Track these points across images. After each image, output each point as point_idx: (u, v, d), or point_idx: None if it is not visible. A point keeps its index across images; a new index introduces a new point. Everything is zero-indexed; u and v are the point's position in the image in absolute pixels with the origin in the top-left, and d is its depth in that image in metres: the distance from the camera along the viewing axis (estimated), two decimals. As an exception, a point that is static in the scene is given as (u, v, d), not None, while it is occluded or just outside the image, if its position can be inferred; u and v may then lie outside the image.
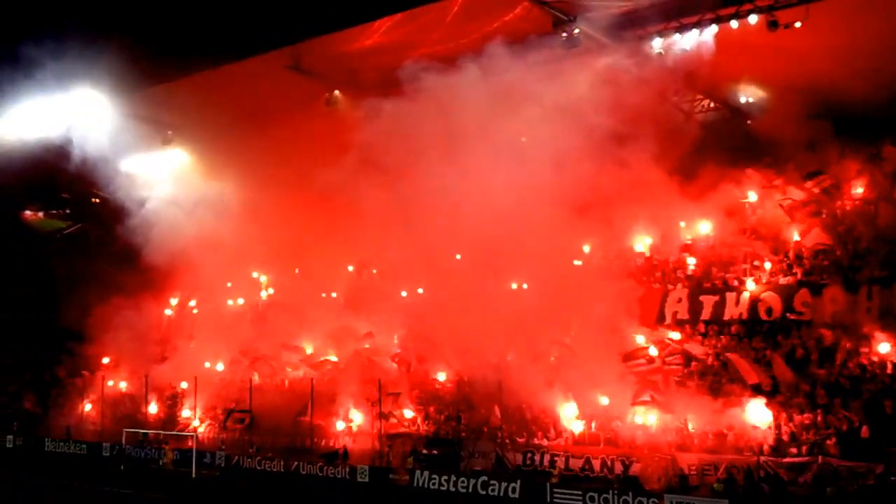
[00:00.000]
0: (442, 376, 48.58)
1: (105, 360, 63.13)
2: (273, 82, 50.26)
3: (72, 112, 55.44)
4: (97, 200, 64.87)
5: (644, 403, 38.72)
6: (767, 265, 44.59)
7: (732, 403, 36.80)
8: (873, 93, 41.35)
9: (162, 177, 62.05)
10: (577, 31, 42.95)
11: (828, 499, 30.35)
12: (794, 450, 33.70)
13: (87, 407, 59.91)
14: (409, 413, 46.99)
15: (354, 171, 44.63)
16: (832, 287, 40.83)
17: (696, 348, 42.31)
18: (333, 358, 54.45)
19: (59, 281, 67.65)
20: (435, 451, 42.98)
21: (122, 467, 49.10)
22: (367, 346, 52.48)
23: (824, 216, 45.49)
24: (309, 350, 55.72)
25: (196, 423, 54.00)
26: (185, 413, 55.68)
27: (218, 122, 53.43)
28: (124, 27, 48.00)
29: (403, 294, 53.91)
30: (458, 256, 47.07)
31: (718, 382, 39.22)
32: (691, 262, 47.93)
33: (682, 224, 49.90)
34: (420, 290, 53.27)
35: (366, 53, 48.00)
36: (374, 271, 58.15)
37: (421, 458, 42.41)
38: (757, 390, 36.88)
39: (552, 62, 44.15)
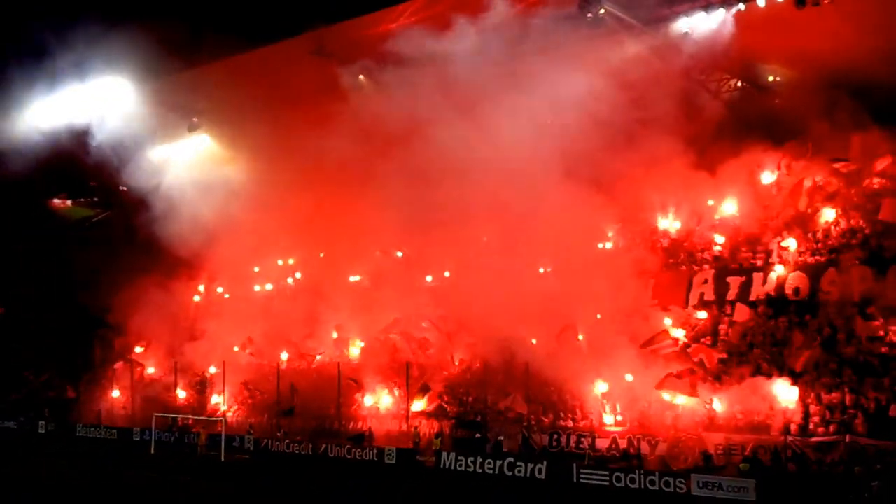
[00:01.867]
0: (467, 359, 48.52)
1: (138, 350, 63.75)
2: (297, 67, 50.34)
3: (97, 101, 55.93)
4: (124, 188, 65.19)
5: (670, 385, 38.66)
6: (794, 245, 44.26)
7: (759, 384, 36.65)
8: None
9: (188, 163, 62.35)
10: (602, 11, 42.71)
11: (855, 478, 30.13)
12: (821, 429, 33.53)
13: (117, 393, 60.47)
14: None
15: (380, 155, 44.82)
16: (860, 266, 40.55)
17: (722, 329, 42.12)
18: (360, 343, 54.78)
19: (88, 269, 68.06)
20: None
21: (151, 451, 49.52)
22: (393, 335, 52.53)
23: (852, 195, 45.06)
24: (334, 335, 55.94)
25: (224, 407, 54.36)
26: (215, 398, 56.09)
27: (243, 108, 53.66)
28: (149, 13, 48.26)
29: (429, 279, 53.94)
30: (485, 239, 47.13)
31: (746, 363, 39.07)
32: (718, 241, 47.63)
33: (710, 203, 49.55)
34: (447, 274, 53.21)
35: (391, 36, 47.83)
36: (400, 255, 58.16)
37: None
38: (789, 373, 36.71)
39: (578, 43, 44.05)
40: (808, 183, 46.37)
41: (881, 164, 45.02)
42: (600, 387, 40.86)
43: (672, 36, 44.32)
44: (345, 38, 48.89)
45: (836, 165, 46.02)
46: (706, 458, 34.77)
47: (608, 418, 40.05)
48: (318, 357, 55.73)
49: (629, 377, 40.09)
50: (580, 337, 43.92)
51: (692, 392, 37.74)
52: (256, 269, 65.78)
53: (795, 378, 36.32)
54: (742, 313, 42.81)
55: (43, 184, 70.49)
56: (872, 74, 41.77)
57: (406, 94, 43.80)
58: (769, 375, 37.07)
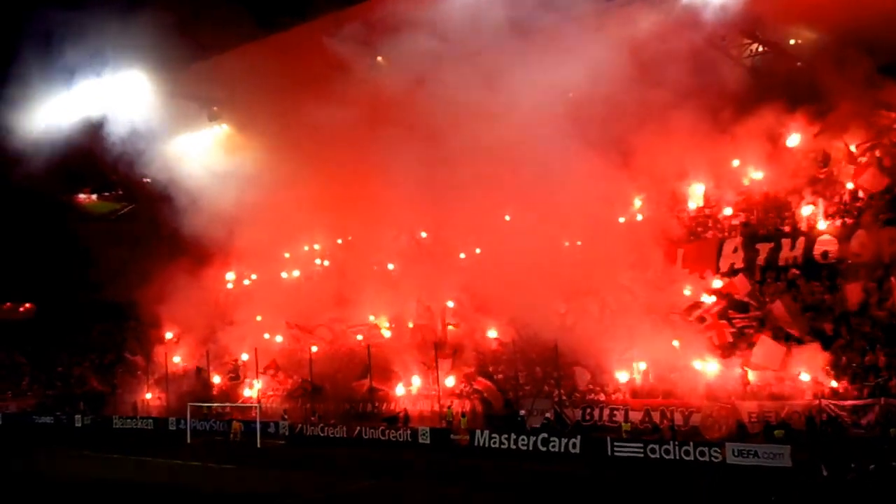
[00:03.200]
0: (497, 335, 48.53)
1: (168, 336, 64.22)
2: (314, 51, 50.17)
3: (115, 95, 56.09)
4: (147, 181, 65.46)
5: (703, 354, 38.62)
6: (822, 209, 43.90)
7: (792, 349, 36.44)
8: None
9: (209, 153, 62.56)
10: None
11: (891, 440, 29.94)
12: (855, 392, 33.30)
13: (152, 384, 60.97)
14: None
15: (400, 137, 44.74)
16: (890, 227, 40.18)
17: (752, 297, 41.91)
18: (389, 324, 54.96)
19: (116, 262, 68.55)
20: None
21: (188, 440, 49.93)
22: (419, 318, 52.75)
23: (880, 156, 44.58)
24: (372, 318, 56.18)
25: (255, 391, 54.62)
26: (247, 388, 56.43)
27: (261, 96, 53.66)
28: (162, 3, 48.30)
29: (462, 256, 53.86)
30: (508, 217, 47.04)
31: (778, 329, 38.91)
32: (745, 208, 47.34)
33: (735, 165, 49.19)
34: (478, 251, 53.05)
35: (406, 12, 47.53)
36: (424, 235, 58.17)
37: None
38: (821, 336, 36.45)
39: (599, 12, 43.76)
40: (834, 145, 45.85)
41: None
42: (630, 359, 40.80)
43: (693, 2, 43.90)
44: (362, 20, 48.66)
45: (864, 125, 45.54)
46: (740, 426, 34.63)
47: (640, 389, 40.01)
48: (359, 337, 55.62)
49: (676, 343, 40.03)
50: (609, 309, 43.67)
51: (726, 358, 37.74)
52: (287, 255, 65.95)
53: (828, 342, 36.06)
54: (743, 285, 42.56)
55: (66, 179, 70.90)
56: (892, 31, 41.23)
57: (425, 73, 43.65)
58: (801, 341, 36.81)
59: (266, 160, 58.95)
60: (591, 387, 41.72)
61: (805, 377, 35.17)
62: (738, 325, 40.67)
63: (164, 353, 60.51)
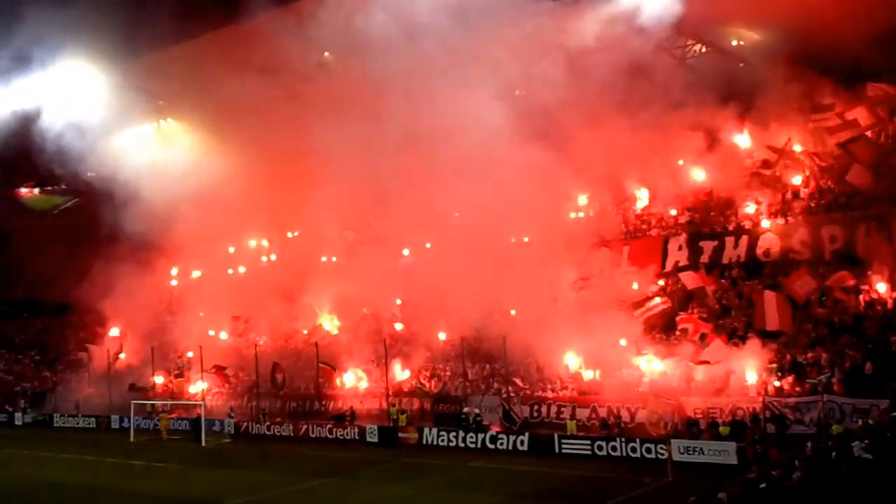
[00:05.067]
0: (445, 334, 48.62)
1: (112, 333, 63.35)
2: (264, 46, 49.69)
3: (61, 86, 54.99)
4: (91, 175, 64.38)
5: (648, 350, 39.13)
6: (764, 207, 44.66)
7: (736, 345, 37.00)
8: (861, 34, 40.86)
9: (155, 147, 61.73)
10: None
11: (834, 437, 30.46)
12: (798, 389, 33.87)
13: (94, 381, 60.10)
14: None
15: (346, 133, 44.48)
16: (830, 226, 40.99)
17: (710, 289, 42.46)
18: (336, 322, 54.80)
19: (58, 257, 67.40)
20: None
21: (131, 439, 49.35)
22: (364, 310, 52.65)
23: (822, 157, 45.44)
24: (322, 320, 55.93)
25: (203, 387, 54.07)
26: (192, 383, 55.87)
27: (210, 90, 52.91)
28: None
29: (405, 252, 53.83)
30: (456, 214, 47.05)
31: (723, 325, 39.44)
32: (688, 207, 48.01)
33: (679, 164, 49.78)
34: (427, 245, 52.99)
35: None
36: (373, 232, 58.05)
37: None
38: (775, 336, 37.06)
39: (542, 12, 43.87)
40: (777, 144, 46.59)
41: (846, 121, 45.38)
42: (576, 356, 41.14)
43: (635, 2, 44.29)
44: (312, 15, 48.27)
45: (813, 120, 46.30)
46: (686, 423, 35.04)
47: (587, 386, 40.36)
48: (305, 332, 55.36)
49: (623, 342, 40.47)
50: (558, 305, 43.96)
51: (670, 356, 38.27)
52: (232, 251, 65.38)
53: (771, 339, 36.65)
54: (691, 280, 43.10)
55: (5, 173, 69.62)
56: (833, 36, 41.87)
57: (370, 69, 43.50)
58: (744, 338, 37.38)
59: (212, 155, 58.38)
60: (539, 384, 41.94)
61: (750, 374, 35.63)
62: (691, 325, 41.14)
63: (107, 350, 59.66)
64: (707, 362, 37.19)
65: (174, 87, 56.95)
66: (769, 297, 38.02)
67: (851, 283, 37.94)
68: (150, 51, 51.85)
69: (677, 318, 41.78)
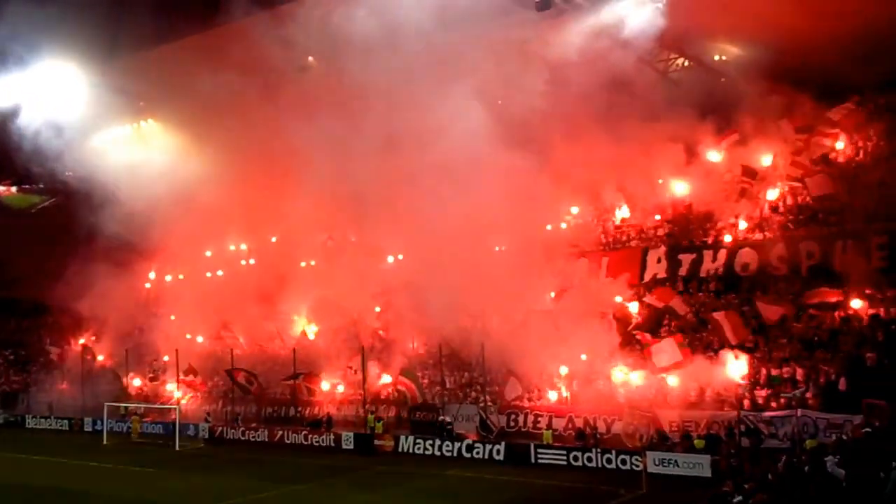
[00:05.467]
0: (423, 342, 48.59)
1: (85, 336, 62.90)
2: (247, 50, 49.57)
3: (41, 84, 54.51)
4: (70, 174, 63.91)
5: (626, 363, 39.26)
6: (743, 222, 44.92)
7: (712, 359, 37.14)
8: (843, 50, 41.21)
9: (135, 148, 61.32)
10: (550, -10, 42.71)
11: (808, 451, 30.63)
12: (773, 403, 34.04)
13: (68, 383, 59.66)
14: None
15: (329, 137, 44.37)
16: (808, 241, 41.28)
17: (678, 307, 42.54)
18: (314, 328, 54.66)
19: (33, 257, 66.86)
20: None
21: (104, 442, 48.99)
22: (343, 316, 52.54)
23: (801, 173, 45.78)
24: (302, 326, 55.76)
25: (178, 394, 53.83)
26: (168, 386, 55.56)
27: (192, 92, 52.62)
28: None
29: (390, 259, 53.77)
30: (437, 222, 47.02)
31: (699, 340, 39.59)
32: (668, 219, 48.22)
33: (660, 176, 49.99)
34: (400, 257, 53.05)
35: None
36: (353, 239, 57.94)
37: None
38: (740, 348, 37.23)
39: (527, 23, 43.96)
40: (756, 160, 46.96)
41: (826, 140, 45.86)
42: (556, 366, 41.15)
43: (618, 15, 44.46)
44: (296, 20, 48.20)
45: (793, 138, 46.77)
46: (661, 436, 35.15)
47: (564, 397, 40.40)
48: (278, 341, 55.27)
49: (583, 357, 40.43)
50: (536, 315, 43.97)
51: (648, 368, 38.39)
52: (208, 254, 65.02)
53: (748, 353, 36.85)
54: (664, 295, 43.30)
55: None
56: (815, 52, 42.23)
57: (352, 75, 43.43)
58: (717, 351, 37.58)
59: (192, 157, 58.05)
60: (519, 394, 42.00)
61: (725, 387, 35.82)
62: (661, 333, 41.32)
63: (81, 352, 59.23)
64: (667, 369, 37.62)
65: (155, 88, 56.52)
66: (720, 317, 38.58)
67: (833, 300, 38.04)
68: (132, 51, 51.50)
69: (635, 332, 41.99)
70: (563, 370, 41.11)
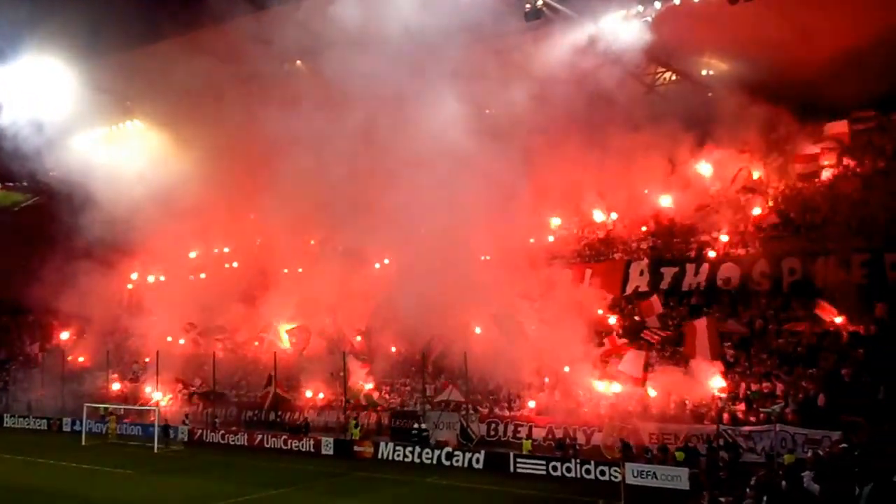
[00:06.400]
0: (405, 349, 48.55)
1: (65, 336, 62.60)
2: (233, 51, 49.47)
3: (26, 81, 54.20)
4: (53, 173, 63.58)
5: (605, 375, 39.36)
6: (726, 237, 45.14)
7: (692, 373, 37.25)
8: (831, 68, 41.51)
9: (120, 148, 61.08)
10: (539, 2, 42.85)
11: (785, 466, 30.73)
12: (752, 418, 34.18)
13: (47, 383, 59.31)
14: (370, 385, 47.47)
15: (316, 141, 44.36)
16: (790, 258, 41.51)
17: (655, 321, 42.72)
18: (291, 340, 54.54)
19: (17, 255, 66.47)
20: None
21: (83, 443, 48.74)
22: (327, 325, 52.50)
23: (783, 189, 46.13)
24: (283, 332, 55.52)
25: (158, 396, 53.52)
26: (148, 388, 55.30)
27: (179, 93, 52.51)
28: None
29: (377, 266, 53.70)
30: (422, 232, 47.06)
31: (679, 353, 39.72)
32: (652, 233, 48.41)
33: (645, 189, 50.22)
34: (386, 261, 52.97)
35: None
36: (339, 247, 57.87)
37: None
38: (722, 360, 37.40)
39: (516, 35, 44.14)
40: (741, 175, 47.24)
41: (812, 158, 46.21)
42: (537, 376, 41.22)
43: (607, 28, 44.66)
44: (284, 22, 48.18)
45: (769, 159, 47.03)
46: (642, 448, 35.22)
47: (545, 407, 40.42)
48: (255, 343, 55.10)
49: (567, 369, 40.50)
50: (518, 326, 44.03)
51: (628, 380, 38.48)
52: (193, 255, 64.79)
53: (728, 368, 37.00)
54: (651, 307, 43.47)
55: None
56: (803, 69, 42.52)
57: (343, 82, 43.43)
58: (701, 365, 37.64)
59: (178, 158, 57.85)
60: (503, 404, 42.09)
61: (704, 400, 35.99)
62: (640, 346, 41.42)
63: (61, 351, 58.96)
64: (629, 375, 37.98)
65: (142, 88, 56.34)
66: (700, 326, 38.60)
67: (807, 313, 38.28)
68: (119, 50, 51.31)
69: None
70: (542, 381, 41.19)
